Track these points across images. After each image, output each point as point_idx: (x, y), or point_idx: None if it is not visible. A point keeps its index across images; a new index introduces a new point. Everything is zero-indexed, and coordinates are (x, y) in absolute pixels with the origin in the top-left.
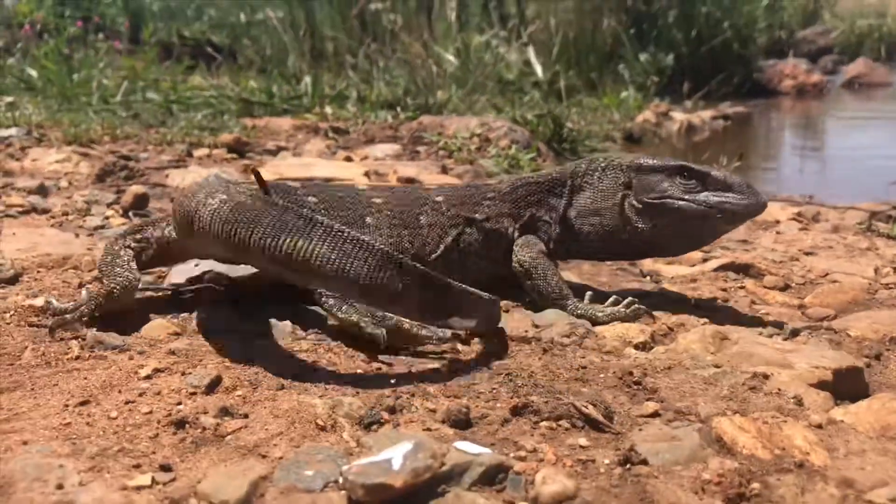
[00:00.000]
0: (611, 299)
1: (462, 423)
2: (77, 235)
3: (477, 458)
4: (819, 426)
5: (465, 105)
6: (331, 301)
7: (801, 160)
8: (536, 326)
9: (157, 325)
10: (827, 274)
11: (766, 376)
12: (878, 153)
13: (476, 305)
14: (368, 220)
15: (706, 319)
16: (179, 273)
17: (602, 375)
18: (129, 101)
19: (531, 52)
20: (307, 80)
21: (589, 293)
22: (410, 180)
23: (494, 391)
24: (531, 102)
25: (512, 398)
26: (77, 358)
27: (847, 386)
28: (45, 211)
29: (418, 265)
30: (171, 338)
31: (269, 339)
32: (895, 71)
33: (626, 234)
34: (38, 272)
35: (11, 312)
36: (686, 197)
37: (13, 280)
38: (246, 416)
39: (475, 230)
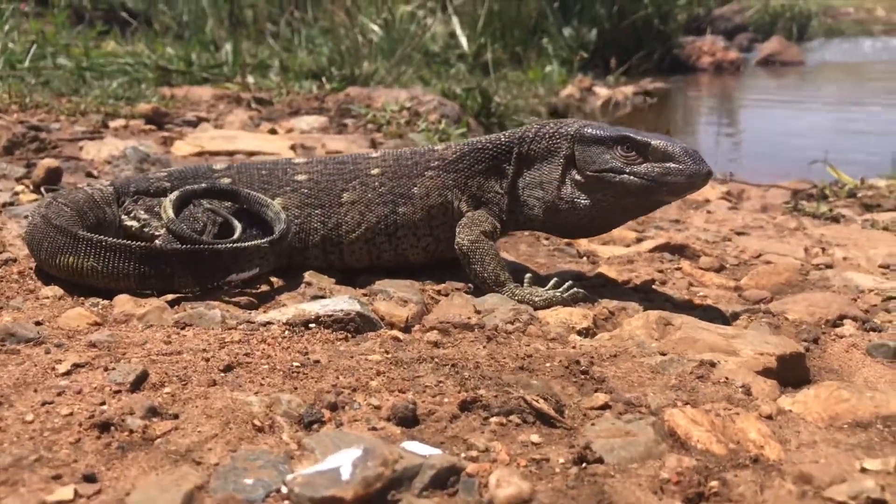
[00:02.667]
0: (551, 283)
1: (409, 420)
2: None
3: (427, 460)
4: (769, 417)
5: (391, 77)
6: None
7: (718, 138)
8: (478, 312)
9: (76, 315)
10: (760, 255)
11: (712, 364)
12: (791, 131)
13: (249, 255)
14: (277, 200)
15: (646, 304)
16: None
17: (548, 364)
18: (39, 68)
19: (457, 25)
20: (227, 47)
21: (528, 276)
22: (338, 153)
23: (440, 384)
24: (458, 75)
25: (459, 392)
26: None
27: (790, 372)
28: None
29: (178, 245)
30: (91, 328)
31: (198, 329)
32: (807, 49)
33: (564, 208)
34: None
35: None
36: (627, 170)
37: None
38: (176, 416)
39: (412, 207)
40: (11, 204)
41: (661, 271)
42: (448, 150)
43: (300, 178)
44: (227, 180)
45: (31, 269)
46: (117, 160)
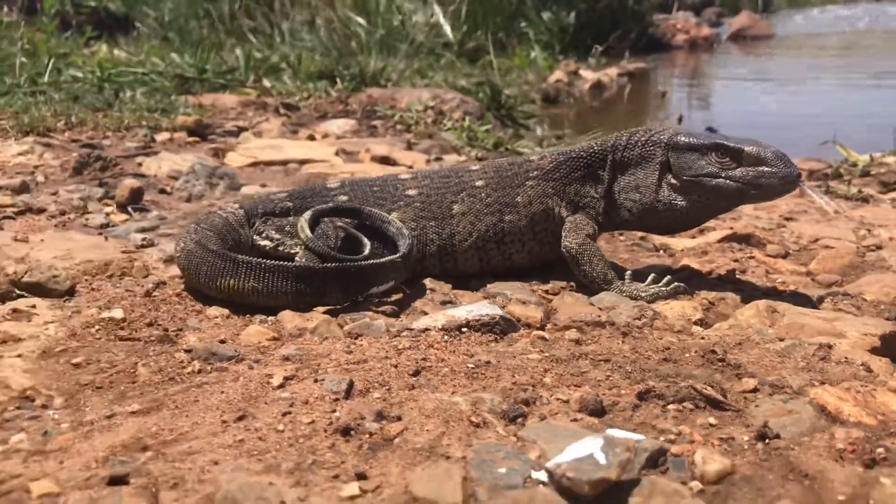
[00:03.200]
0: (650, 278)
1: (598, 411)
2: (106, 238)
3: (639, 444)
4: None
5: (396, 75)
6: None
7: (704, 115)
8: (601, 310)
9: (255, 332)
10: (817, 240)
11: (829, 346)
12: (771, 109)
13: (386, 269)
14: (394, 215)
15: (737, 292)
16: None
17: (687, 355)
18: (59, 82)
19: (440, 14)
20: (238, 52)
21: (628, 273)
22: (384, 159)
23: (609, 378)
24: (448, 65)
25: (632, 385)
26: (199, 371)
27: (892, 350)
28: (40, 210)
29: (329, 264)
30: (274, 343)
31: (370, 339)
32: (775, 21)
33: (662, 209)
34: (91, 281)
35: (96, 328)
36: (723, 174)
37: (71, 292)
38: (399, 417)
39: (517, 215)
40: (107, 225)
41: (736, 261)
42: (544, 161)
43: (411, 192)
44: (344, 197)
45: (184, 290)
46: (186, 175)
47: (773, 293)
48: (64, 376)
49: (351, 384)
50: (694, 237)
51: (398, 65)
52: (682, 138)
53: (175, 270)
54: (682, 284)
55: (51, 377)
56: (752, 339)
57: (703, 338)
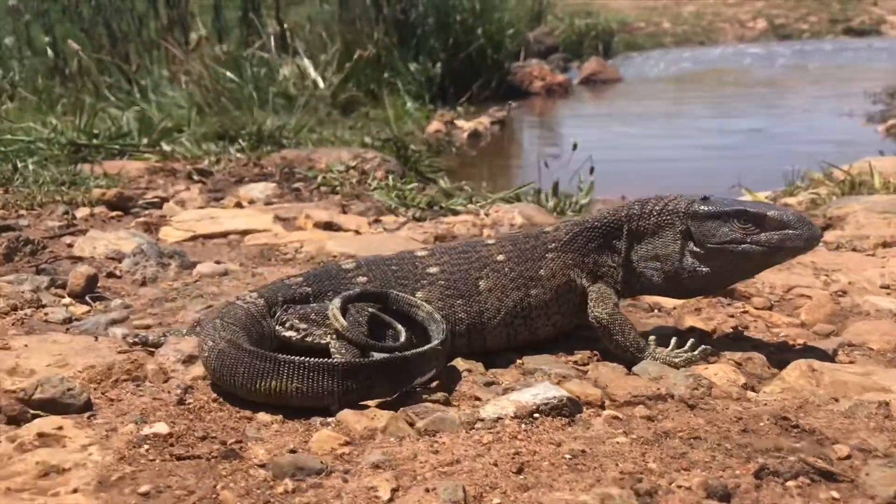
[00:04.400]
0: (672, 342)
1: (725, 496)
2: (96, 338)
3: None
4: None
5: (292, 133)
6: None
7: (570, 159)
8: (651, 381)
9: (325, 437)
10: (790, 289)
11: (886, 403)
12: (640, 148)
13: (428, 358)
14: (419, 294)
15: (758, 351)
16: None
17: (761, 424)
18: None
19: (310, 65)
20: (128, 115)
21: (652, 338)
22: (328, 224)
23: (714, 458)
24: (332, 121)
25: (741, 463)
26: (294, 491)
27: None
28: None
29: (375, 357)
30: (350, 448)
31: (450, 434)
32: (618, 65)
33: (686, 276)
34: (105, 390)
35: (145, 447)
36: (748, 240)
37: (89, 405)
38: None
39: (543, 288)
40: (71, 319)
41: (732, 316)
42: (560, 232)
43: (432, 270)
44: (363, 279)
45: (219, 395)
46: (134, 256)
47: (787, 349)
48: None
49: (464, 491)
50: None
51: (289, 123)
52: (703, 207)
53: (195, 371)
54: (708, 347)
55: None
56: (810, 402)
57: (765, 404)
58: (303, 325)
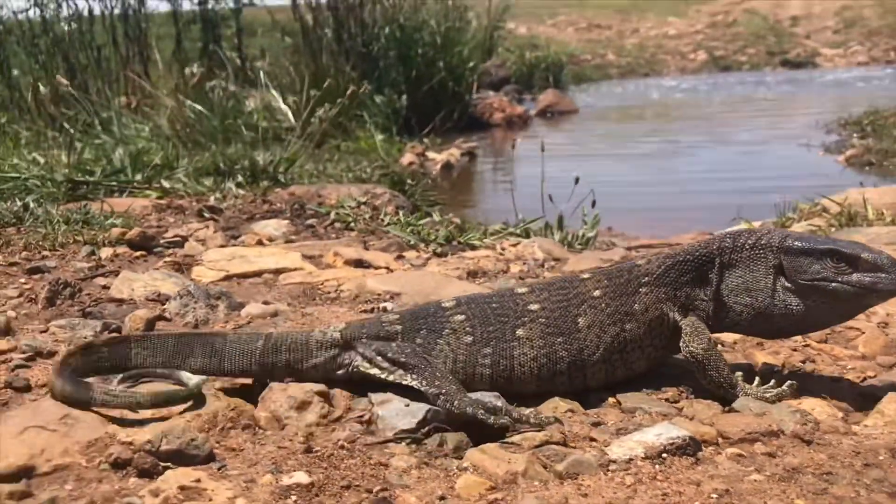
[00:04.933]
0: (756, 379)
1: None
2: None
3: None
4: None
5: (286, 168)
6: (440, 399)
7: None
8: (757, 417)
9: (472, 483)
10: None
11: None
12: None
13: None
14: (520, 332)
15: (842, 384)
16: (395, 416)
17: (880, 457)
18: None
19: (279, 98)
20: (119, 152)
21: (739, 374)
22: (359, 262)
23: (858, 493)
24: (312, 156)
25: (889, 498)
26: None
27: None
28: (50, 354)
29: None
30: (496, 493)
31: (593, 477)
32: (572, 97)
33: (777, 313)
34: (218, 440)
35: (293, 498)
36: (840, 279)
37: (212, 456)
38: None
39: (637, 323)
40: None
41: (795, 350)
42: (652, 265)
43: (533, 307)
44: (461, 317)
45: (343, 442)
46: (182, 298)
47: (864, 380)
48: None
49: None
50: None
51: (282, 157)
52: (797, 243)
53: (310, 417)
54: (794, 382)
55: None
56: None
57: (875, 438)
58: (385, 364)
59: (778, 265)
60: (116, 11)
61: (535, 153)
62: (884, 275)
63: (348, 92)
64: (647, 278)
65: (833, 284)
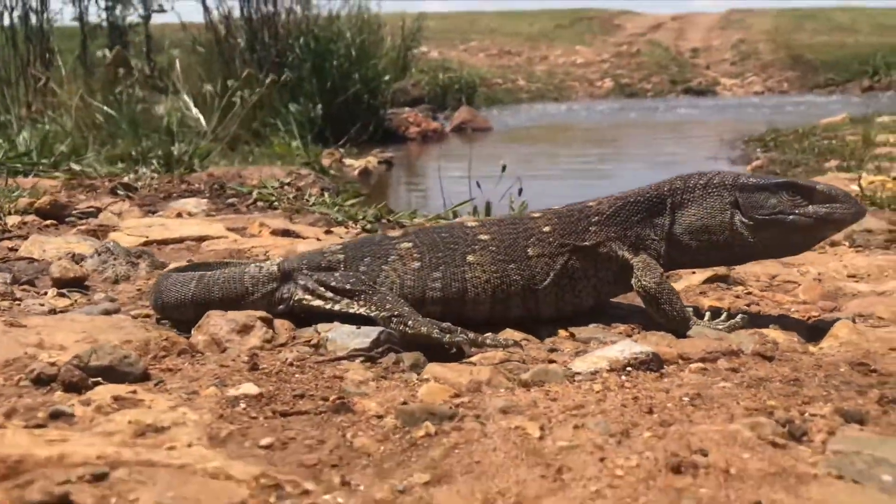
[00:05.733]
0: (706, 315)
1: (860, 420)
2: (110, 315)
3: None
4: None
5: (201, 159)
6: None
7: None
8: (716, 340)
9: (436, 390)
10: (774, 276)
11: None
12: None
13: None
14: (470, 258)
15: (790, 321)
16: (346, 337)
17: (841, 369)
18: None
19: (190, 102)
20: (24, 135)
21: (689, 309)
22: (286, 231)
23: (829, 392)
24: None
25: (859, 395)
26: (436, 434)
27: None
28: None
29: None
30: (462, 399)
31: (560, 385)
32: (485, 116)
33: (737, 247)
34: (153, 363)
35: (242, 405)
36: (797, 211)
37: (147, 375)
38: (704, 452)
39: (585, 256)
40: (56, 311)
41: (738, 297)
42: (603, 206)
43: (483, 237)
44: (408, 244)
45: (292, 361)
46: (101, 255)
47: (810, 318)
48: (276, 459)
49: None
50: (679, 279)
51: (195, 148)
52: (749, 180)
53: (253, 341)
54: (745, 316)
55: (258, 462)
56: (872, 352)
57: (832, 355)
58: (328, 294)
59: (734, 202)
60: (16, 14)
61: (453, 166)
62: (838, 205)
63: (265, 84)
64: (596, 217)
65: (791, 217)
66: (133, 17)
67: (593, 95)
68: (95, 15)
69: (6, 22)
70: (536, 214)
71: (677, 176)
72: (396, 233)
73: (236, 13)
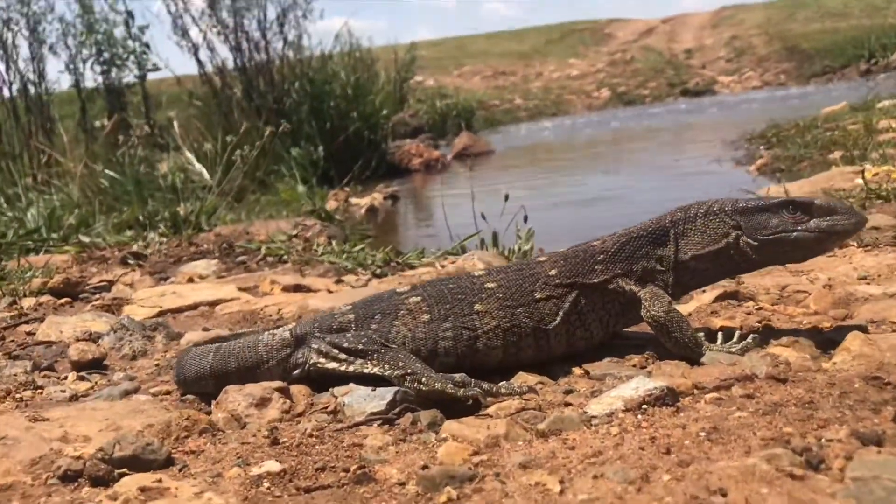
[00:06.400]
0: (720, 337)
1: (878, 441)
2: (130, 397)
3: None
4: None
5: (209, 216)
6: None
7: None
8: (729, 366)
9: (454, 449)
10: (783, 287)
11: None
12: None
13: None
14: (478, 307)
15: (802, 335)
16: (362, 401)
17: (856, 385)
18: None
19: (192, 159)
20: (33, 212)
21: (701, 333)
22: (297, 287)
23: (843, 413)
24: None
25: (873, 414)
26: (458, 498)
27: None
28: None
29: None
30: (480, 456)
31: (578, 433)
32: (493, 138)
33: (744, 264)
34: (176, 445)
35: (266, 485)
36: (799, 227)
37: (171, 461)
38: (723, 493)
39: (593, 293)
40: (79, 397)
41: (750, 313)
42: (607, 244)
43: (490, 285)
44: (416, 298)
45: (311, 432)
46: (116, 332)
47: (823, 330)
48: None
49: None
50: (691, 298)
51: (201, 206)
52: (747, 203)
53: (272, 413)
54: (757, 335)
55: None
56: (886, 364)
57: (846, 370)
58: (342, 356)
59: (736, 226)
60: (15, 87)
61: (457, 194)
62: (839, 216)
63: (265, 135)
64: (602, 255)
65: (794, 234)
66: (129, 77)
67: (591, 107)
68: (92, 80)
69: (6, 94)
70: (542, 258)
71: (677, 208)
72: (404, 288)
73: (230, 64)
